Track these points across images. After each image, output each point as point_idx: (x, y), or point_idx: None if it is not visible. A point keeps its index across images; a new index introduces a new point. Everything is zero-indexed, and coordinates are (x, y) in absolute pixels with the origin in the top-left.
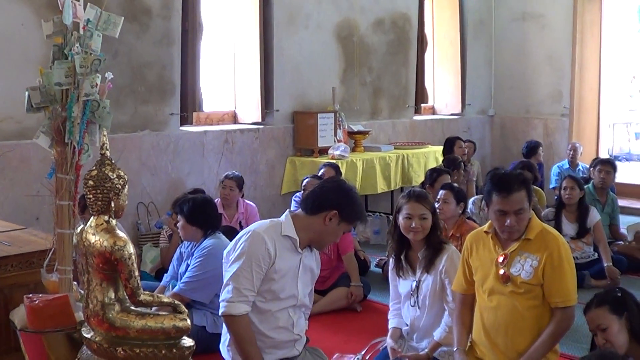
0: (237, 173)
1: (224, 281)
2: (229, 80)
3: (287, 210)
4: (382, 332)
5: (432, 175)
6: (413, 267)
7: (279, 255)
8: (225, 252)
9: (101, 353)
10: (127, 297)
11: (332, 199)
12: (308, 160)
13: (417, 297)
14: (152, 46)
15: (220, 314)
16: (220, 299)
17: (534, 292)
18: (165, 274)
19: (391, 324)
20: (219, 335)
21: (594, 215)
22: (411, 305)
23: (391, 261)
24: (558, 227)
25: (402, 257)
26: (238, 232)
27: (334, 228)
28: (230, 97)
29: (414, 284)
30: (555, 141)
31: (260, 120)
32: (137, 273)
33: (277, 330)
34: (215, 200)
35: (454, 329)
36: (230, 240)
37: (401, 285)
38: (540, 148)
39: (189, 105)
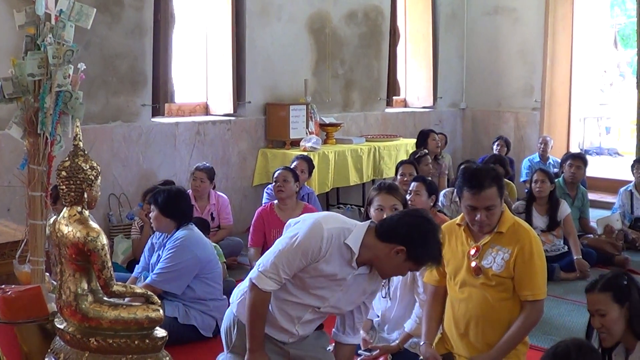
0: (207, 164)
1: (272, 249)
2: (201, 72)
3: (369, 222)
4: None
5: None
6: None
7: (328, 259)
8: (291, 221)
9: (74, 344)
10: (100, 288)
11: (405, 234)
12: (280, 152)
13: (388, 288)
14: (124, 37)
15: (249, 276)
16: (257, 263)
17: (505, 284)
18: (136, 265)
19: None
20: (191, 326)
21: (565, 209)
22: (382, 297)
23: None
24: (528, 219)
25: None
26: (209, 224)
27: (399, 263)
28: (202, 89)
29: None
30: (527, 135)
31: (232, 111)
32: (110, 264)
33: (282, 314)
34: (187, 192)
35: (423, 321)
36: (202, 232)
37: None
38: (498, 142)
39: (161, 96)
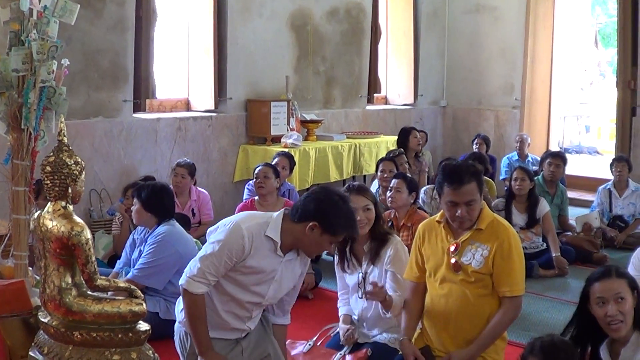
0: (188, 160)
1: (198, 255)
2: (182, 68)
3: (282, 211)
4: (334, 319)
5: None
6: (359, 259)
7: (254, 254)
8: (209, 230)
9: (58, 337)
10: (84, 282)
11: (313, 209)
12: (261, 148)
13: (365, 289)
14: (105, 32)
15: (179, 283)
16: (185, 271)
17: (484, 281)
18: (118, 261)
19: (341, 311)
20: (172, 321)
21: (544, 206)
22: (359, 297)
23: (335, 258)
24: (508, 217)
25: (347, 250)
26: (190, 220)
27: (317, 239)
28: (183, 85)
29: (361, 275)
30: (507, 133)
31: (213, 108)
32: (93, 258)
33: (231, 315)
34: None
35: (403, 317)
36: (183, 227)
37: (348, 277)
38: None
39: (142, 92)
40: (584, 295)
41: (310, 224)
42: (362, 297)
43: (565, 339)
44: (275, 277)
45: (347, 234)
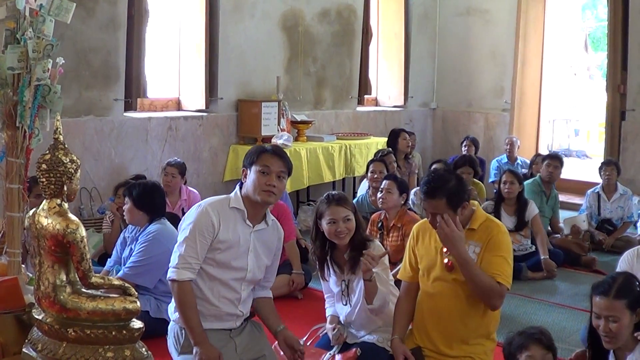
0: (179, 160)
1: (175, 247)
2: (173, 67)
3: (238, 185)
4: (323, 319)
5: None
6: (341, 267)
7: (224, 227)
8: (180, 224)
9: (52, 334)
10: (78, 280)
11: (243, 165)
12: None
13: (348, 296)
14: (97, 31)
15: (167, 277)
16: (169, 264)
17: None
18: (108, 259)
19: (328, 312)
20: (163, 320)
21: (532, 209)
22: (343, 305)
23: (317, 264)
24: (497, 219)
25: (327, 259)
26: (180, 219)
27: (249, 177)
28: (174, 84)
29: (344, 284)
30: (496, 135)
31: (204, 107)
32: (88, 256)
33: (222, 300)
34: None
35: (395, 316)
36: (174, 226)
37: (332, 284)
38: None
39: (133, 91)
40: (590, 299)
41: (242, 172)
42: (346, 305)
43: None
44: (250, 248)
45: (265, 152)
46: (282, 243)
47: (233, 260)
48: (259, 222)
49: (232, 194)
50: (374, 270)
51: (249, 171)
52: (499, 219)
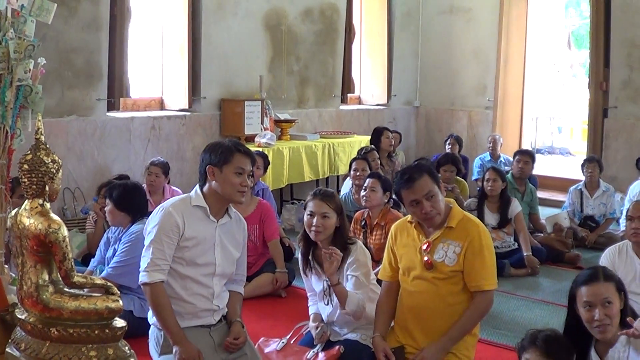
0: (162, 159)
1: (143, 251)
2: (156, 67)
3: (197, 184)
4: (306, 317)
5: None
6: (322, 265)
7: (189, 226)
8: (144, 228)
9: (35, 333)
10: (60, 279)
11: (202, 160)
12: None
13: (330, 296)
14: (80, 31)
15: (139, 282)
16: (139, 268)
17: (457, 277)
18: (92, 259)
19: (311, 310)
20: (146, 319)
21: (515, 206)
22: (325, 305)
23: (300, 258)
24: (480, 217)
25: (309, 256)
26: None
27: (222, 178)
28: (157, 84)
29: (325, 283)
30: (479, 133)
31: (187, 107)
32: (71, 255)
33: (196, 297)
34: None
35: (375, 315)
36: None
37: (314, 283)
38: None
39: (116, 90)
40: (571, 297)
41: (208, 170)
42: (327, 304)
43: (564, 336)
44: (216, 242)
45: (238, 152)
46: (257, 237)
47: (201, 256)
48: (222, 217)
49: (192, 193)
50: (353, 273)
51: (219, 170)
52: (482, 216)
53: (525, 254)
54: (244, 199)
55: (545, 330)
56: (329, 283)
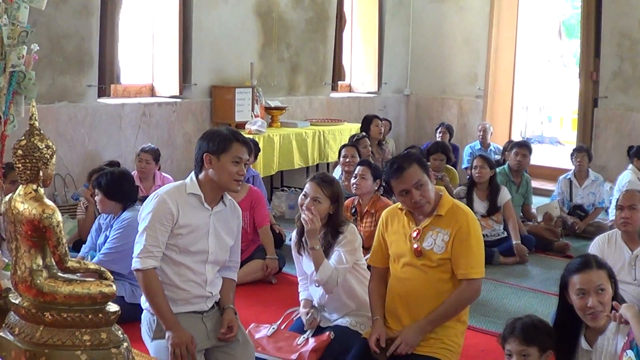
0: (152, 146)
1: (137, 237)
2: (147, 53)
3: (192, 172)
4: (297, 303)
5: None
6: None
7: (182, 213)
8: (139, 214)
9: (29, 318)
10: (54, 264)
11: (199, 148)
12: None
13: None
14: (70, 17)
15: (132, 268)
16: (132, 254)
17: (446, 265)
18: (83, 245)
19: (302, 296)
20: (138, 305)
21: (504, 195)
22: (316, 286)
23: (294, 237)
24: (469, 205)
25: (303, 237)
26: None
27: (219, 166)
28: (148, 70)
29: None
30: (469, 122)
31: (178, 93)
32: (64, 240)
33: (189, 284)
34: (132, 173)
35: (370, 300)
36: None
37: (305, 265)
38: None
39: (107, 77)
40: (562, 285)
41: (205, 158)
42: (318, 286)
43: (543, 319)
44: (210, 230)
45: (236, 141)
46: (248, 224)
47: (194, 244)
48: (217, 204)
49: (188, 180)
50: (338, 249)
51: (217, 159)
52: (472, 204)
53: (514, 242)
54: (239, 188)
55: (522, 318)
56: (310, 246)
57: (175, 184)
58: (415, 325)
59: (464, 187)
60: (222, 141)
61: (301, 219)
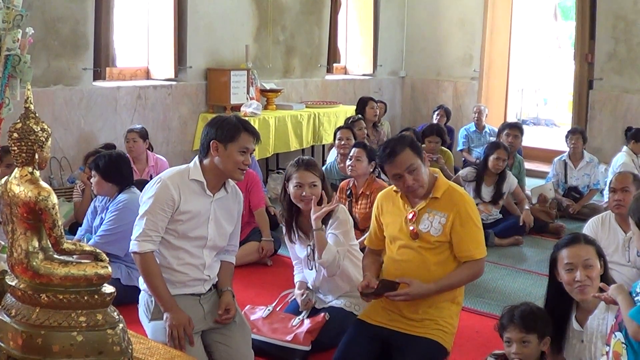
0: (138, 125)
1: (137, 219)
2: (142, 36)
3: (196, 156)
4: (292, 285)
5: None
6: (305, 232)
7: (184, 200)
8: (140, 196)
9: (25, 299)
10: (50, 246)
11: (206, 134)
12: None
13: (314, 260)
14: (66, 0)
15: (129, 250)
16: (132, 237)
17: (442, 247)
18: (79, 228)
19: (296, 278)
20: (134, 287)
21: (512, 181)
22: (309, 269)
23: (284, 228)
24: (477, 188)
25: (293, 224)
26: None
27: (226, 155)
28: (143, 53)
29: (309, 248)
30: (465, 104)
31: (173, 76)
32: (60, 222)
33: (187, 267)
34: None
35: (363, 269)
36: None
37: (298, 250)
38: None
39: (102, 60)
40: (552, 263)
41: (212, 145)
42: (312, 269)
43: (540, 307)
44: (210, 217)
45: (245, 131)
46: (243, 206)
47: (194, 230)
48: (218, 191)
49: (192, 165)
50: (333, 231)
51: (223, 147)
52: (479, 188)
53: (526, 208)
54: (243, 177)
55: (520, 305)
56: (313, 227)
57: (179, 169)
58: (424, 284)
59: (472, 169)
60: (230, 130)
61: (310, 206)
